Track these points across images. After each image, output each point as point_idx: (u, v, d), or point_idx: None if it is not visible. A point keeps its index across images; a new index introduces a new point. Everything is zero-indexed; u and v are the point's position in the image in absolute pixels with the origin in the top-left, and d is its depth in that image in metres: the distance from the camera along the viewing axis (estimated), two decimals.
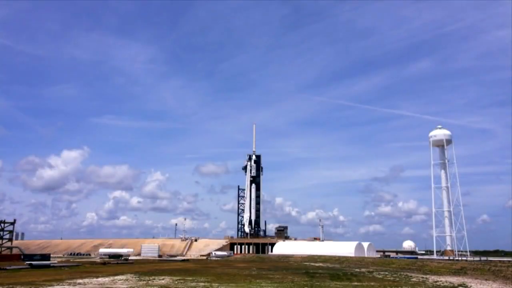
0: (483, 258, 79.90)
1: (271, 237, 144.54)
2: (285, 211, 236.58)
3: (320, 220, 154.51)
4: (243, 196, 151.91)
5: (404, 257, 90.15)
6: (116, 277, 39.98)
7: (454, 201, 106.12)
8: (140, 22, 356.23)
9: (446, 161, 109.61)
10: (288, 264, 76.14)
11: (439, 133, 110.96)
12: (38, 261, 66.16)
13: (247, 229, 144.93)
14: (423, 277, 43.22)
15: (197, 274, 44.45)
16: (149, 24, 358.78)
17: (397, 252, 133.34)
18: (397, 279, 40.94)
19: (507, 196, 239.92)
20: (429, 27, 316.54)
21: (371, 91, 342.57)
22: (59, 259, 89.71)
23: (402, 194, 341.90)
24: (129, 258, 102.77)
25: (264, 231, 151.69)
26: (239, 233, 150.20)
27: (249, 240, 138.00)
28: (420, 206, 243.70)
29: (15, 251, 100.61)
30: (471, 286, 35.10)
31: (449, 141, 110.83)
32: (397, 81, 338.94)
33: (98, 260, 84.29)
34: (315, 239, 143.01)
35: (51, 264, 61.78)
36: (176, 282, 35.40)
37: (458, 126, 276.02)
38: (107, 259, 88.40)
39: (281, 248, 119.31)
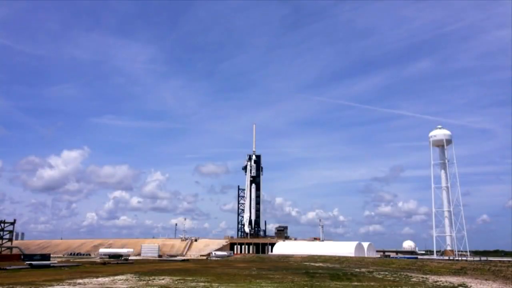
0: (483, 258, 79.92)
1: (271, 237, 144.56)
2: (285, 211, 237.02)
3: (320, 220, 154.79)
4: (243, 196, 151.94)
5: (404, 257, 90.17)
6: (116, 277, 39.99)
7: (454, 201, 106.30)
8: (140, 22, 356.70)
9: (446, 161, 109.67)
10: (288, 264, 76.13)
11: (439, 133, 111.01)
12: (38, 261, 66.16)
13: (247, 229, 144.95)
14: (423, 277, 43.22)
15: (197, 274, 44.45)
16: (149, 24, 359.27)
17: (397, 252, 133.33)
18: (397, 279, 40.94)
19: (507, 196, 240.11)
20: (429, 27, 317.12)
21: (371, 91, 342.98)
22: (59, 259, 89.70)
23: (402, 194, 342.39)
24: (129, 258, 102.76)
25: (264, 231, 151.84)
26: (239, 233, 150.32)
27: (249, 240, 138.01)
28: (420, 206, 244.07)
29: (15, 251, 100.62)
30: (471, 286, 35.10)
31: (449, 141, 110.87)
32: (397, 81, 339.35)
33: (98, 260, 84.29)
34: (315, 239, 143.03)
35: (51, 264, 61.79)
36: (176, 282, 35.40)
37: (458, 126, 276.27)
38: (107, 259, 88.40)
39: (281, 248, 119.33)
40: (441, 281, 39.33)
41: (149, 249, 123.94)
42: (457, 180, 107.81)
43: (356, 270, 56.14)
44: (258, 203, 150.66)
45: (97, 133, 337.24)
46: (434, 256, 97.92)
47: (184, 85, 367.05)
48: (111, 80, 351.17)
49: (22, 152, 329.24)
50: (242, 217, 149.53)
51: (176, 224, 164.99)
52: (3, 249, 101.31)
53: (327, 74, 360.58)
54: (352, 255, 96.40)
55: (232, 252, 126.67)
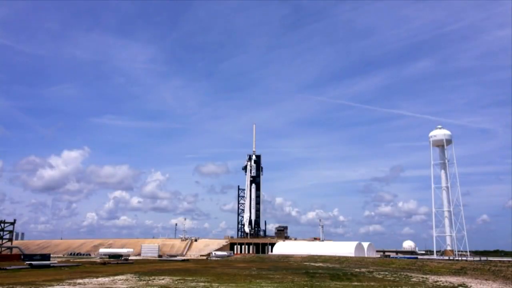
0: (483, 258, 79.90)
1: (271, 237, 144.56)
2: (285, 211, 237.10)
3: (320, 220, 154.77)
4: (243, 196, 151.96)
5: (404, 257, 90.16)
6: (116, 277, 39.99)
7: (454, 201, 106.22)
8: (140, 22, 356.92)
9: (446, 161, 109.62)
10: (288, 264, 76.13)
11: (439, 133, 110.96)
12: (38, 261, 66.17)
13: (247, 229, 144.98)
14: (423, 277, 43.23)
15: (197, 274, 44.46)
16: (149, 24, 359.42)
17: (397, 252, 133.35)
18: (397, 279, 40.95)
19: (507, 196, 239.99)
20: (429, 27, 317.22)
21: (371, 91, 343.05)
22: (59, 259, 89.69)
23: (402, 194, 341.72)
24: (129, 258, 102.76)
25: (264, 231, 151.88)
26: (239, 233, 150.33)
27: (249, 240, 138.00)
28: (420, 206, 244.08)
29: (15, 251, 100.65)
30: (471, 286, 35.11)
31: (449, 141, 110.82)
32: (397, 81, 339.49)
33: (98, 260, 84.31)
34: (315, 239, 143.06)
35: (51, 264, 61.83)
36: (176, 282, 35.42)
37: (458, 126, 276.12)
38: (107, 259, 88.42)
39: (281, 248, 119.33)
40: (441, 281, 39.34)
41: (149, 249, 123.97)
42: (457, 180, 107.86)
43: (356, 270, 56.14)
44: (258, 203, 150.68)
45: (97, 133, 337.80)
46: (434, 256, 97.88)
47: (184, 85, 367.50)
48: (111, 80, 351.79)
49: (22, 152, 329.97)
50: (242, 217, 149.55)
51: (176, 224, 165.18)
52: (3, 249, 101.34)
53: (327, 74, 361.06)
54: (352, 255, 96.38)
55: (232, 252, 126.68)
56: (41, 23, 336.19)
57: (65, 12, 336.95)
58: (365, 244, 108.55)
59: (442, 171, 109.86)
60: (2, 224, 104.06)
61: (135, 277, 40.15)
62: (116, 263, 71.75)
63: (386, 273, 49.92)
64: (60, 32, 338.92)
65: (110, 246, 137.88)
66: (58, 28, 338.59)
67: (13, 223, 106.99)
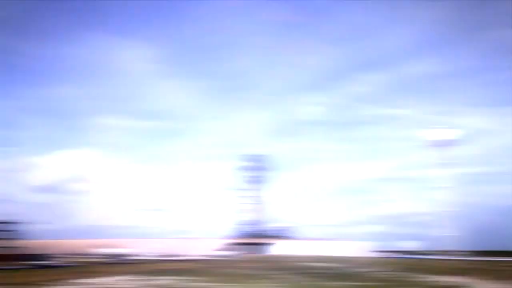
0: (484, 258, 79.88)
1: (271, 237, 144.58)
2: (286, 211, 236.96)
3: (320, 220, 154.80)
4: (243, 196, 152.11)
5: (404, 257, 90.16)
6: (116, 277, 40.00)
7: (454, 201, 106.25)
8: (140, 22, 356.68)
9: (447, 161, 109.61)
10: (288, 264, 76.09)
11: (439, 133, 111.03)
12: (38, 261, 66.18)
13: (247, 229, 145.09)
14: (423, 277, 43.20)
15: (197, 274, 44.45)
16: (149, 24, 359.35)
17: (397, 252, 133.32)
18: (397, 279, 40.93)
19: (507, 196, 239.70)
20: (429, 27, 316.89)
21: (371, 91, 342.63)
22: (60, 259, 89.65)
23: (402, 194, 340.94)
24: (129, 258, 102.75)
25: (264, 231, 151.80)
26: (239, 233, 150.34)
27: (249, 240, 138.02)
28: (420, 206, 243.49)
29: (15, 251, 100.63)
30: (471, 286, 35.08)
31: (449, 141, 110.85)
32: (397, 81, 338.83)
33: (99, 260, 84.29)
34: (316, 239, 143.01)
35: (52, 264, 61.87)
36: (177, 282, 35.43)
37: (459, 126, 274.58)
38: (108, 259, 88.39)
39: (281, 248, 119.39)
40: (441, 281, 39.32)
41: (149, 249, 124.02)
42: (458, 180, 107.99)
43: (356, 270, 56.09)
44: (258, 203, 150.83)
45: (97, 133, 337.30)
46: (435, 256, 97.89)
47: (184, 85, 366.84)
48: (111, 80, 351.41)
49: (22, 152, 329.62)
50: (242, 217, 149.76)
51: (176, 224, 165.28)
52: (3, 249, 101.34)
53: (327, 74, 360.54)
54: (352, 255, 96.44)
55: (232, 252, 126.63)
56: (41, 23, 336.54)
57: (65, 12, 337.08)
58: (365, 244, 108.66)
59: (443, 171, 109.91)
60: (3, 224, 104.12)
61: (136, 277, 40.15)
62: (116, 263, 71.77)
63: (386, 273, 49.89)
64: (60, 32, 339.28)
65: (110, 246, 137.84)
66: (58, 28, 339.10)
67: (14, 223, 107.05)
